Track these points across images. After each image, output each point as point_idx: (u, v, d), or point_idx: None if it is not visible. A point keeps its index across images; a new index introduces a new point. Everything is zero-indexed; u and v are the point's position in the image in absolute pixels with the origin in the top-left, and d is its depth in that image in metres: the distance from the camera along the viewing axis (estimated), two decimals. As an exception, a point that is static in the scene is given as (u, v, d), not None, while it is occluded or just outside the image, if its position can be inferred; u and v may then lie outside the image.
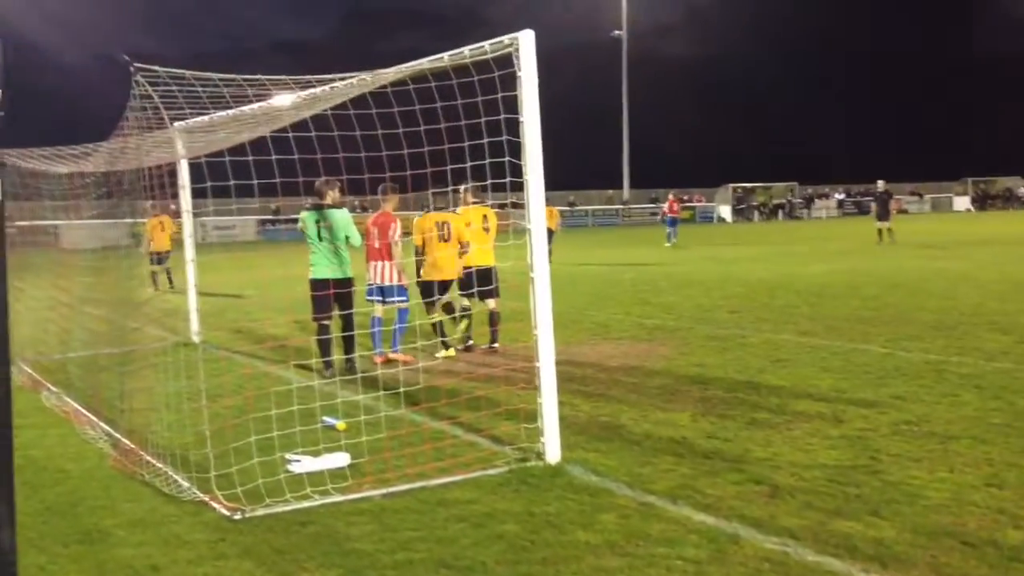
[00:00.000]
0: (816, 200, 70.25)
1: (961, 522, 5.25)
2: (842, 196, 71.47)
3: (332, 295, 9.85)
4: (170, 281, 21.13)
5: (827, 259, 25.97)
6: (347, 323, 10.04)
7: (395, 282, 10.88)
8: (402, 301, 10.93)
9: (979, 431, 7.15)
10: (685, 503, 5.73)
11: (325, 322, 10.17)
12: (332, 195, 10.18)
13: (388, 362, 10.43)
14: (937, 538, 5.03)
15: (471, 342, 11.61)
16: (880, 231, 31.91)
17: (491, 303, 11.58)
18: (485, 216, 11.48)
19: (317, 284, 10.02)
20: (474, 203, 11.48)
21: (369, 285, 10.97)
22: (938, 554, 4.83)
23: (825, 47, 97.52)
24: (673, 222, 36.32)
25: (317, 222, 10.11)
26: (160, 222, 20.89)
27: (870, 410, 7.96)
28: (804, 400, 8.43)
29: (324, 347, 10.16)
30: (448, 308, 11.54)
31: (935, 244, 30.80)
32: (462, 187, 11.08)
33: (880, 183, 32.79)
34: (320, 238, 10.10)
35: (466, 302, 11.51)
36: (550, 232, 27.15)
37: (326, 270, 10.09)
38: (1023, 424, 7.30)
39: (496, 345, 11.70)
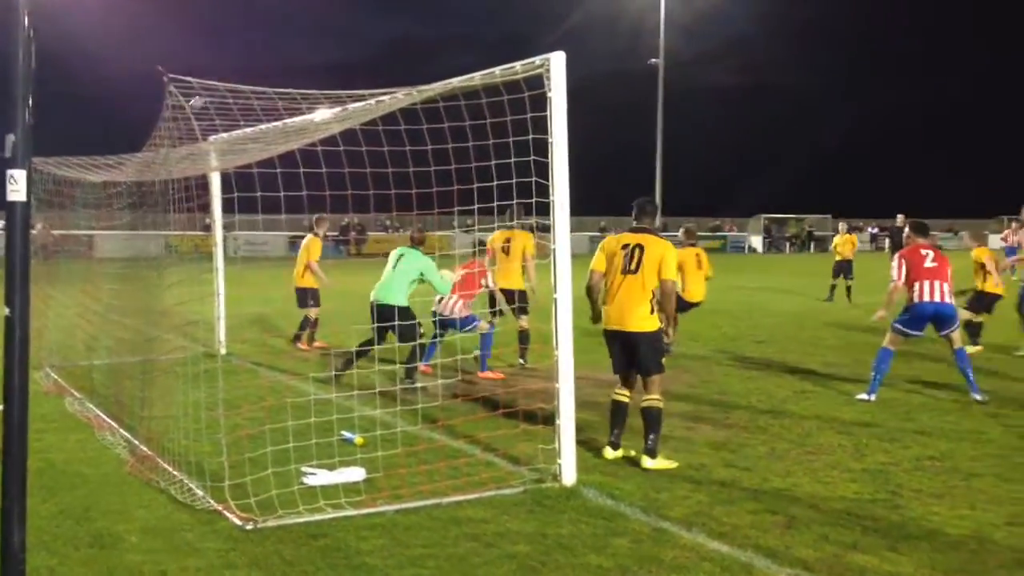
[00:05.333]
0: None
1: (981, 560, 5.15)
2: (875, 230, 70.75)
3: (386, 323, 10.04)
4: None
5: (857, 292, 25.70)
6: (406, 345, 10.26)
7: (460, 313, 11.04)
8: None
9: (1003, 469, 7.02)
10: (700, 530, 5.66)
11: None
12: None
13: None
14: (955, 575, 4.93)
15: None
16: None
17: (522, 321, 11.66)
18: (508, 239, 11.66)
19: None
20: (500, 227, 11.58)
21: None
22: (956, 592, 4.73)
23: (869, 79, 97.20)
24: (1011, 251, 32.82)
25: (401, 256, 10.48)
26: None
27: (893, 444, 7.83)
28: (827, 432, 8.32)
29: (356, 355, 10.34)
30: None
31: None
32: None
33: (900, 217, 28.69)
34: (394, 268, 10.39)
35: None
36: (848, 262, 22.62)
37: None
38: (1050, 464, 7.15)
39: (522, 361, 11.80)
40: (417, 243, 10.65)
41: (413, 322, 9.90)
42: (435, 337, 11.27)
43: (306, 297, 13.61)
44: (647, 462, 7.06)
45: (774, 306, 21.42)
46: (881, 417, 8.94)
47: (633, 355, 7.35)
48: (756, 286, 28.87)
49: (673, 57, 66.36)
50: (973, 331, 13.35)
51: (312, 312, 13.56)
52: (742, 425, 8.61)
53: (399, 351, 10.10)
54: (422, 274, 10.29)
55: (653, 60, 66.25)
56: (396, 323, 9.67)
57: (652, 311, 7.24)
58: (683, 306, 12.10)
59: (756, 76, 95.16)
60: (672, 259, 7.33)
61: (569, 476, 6.62)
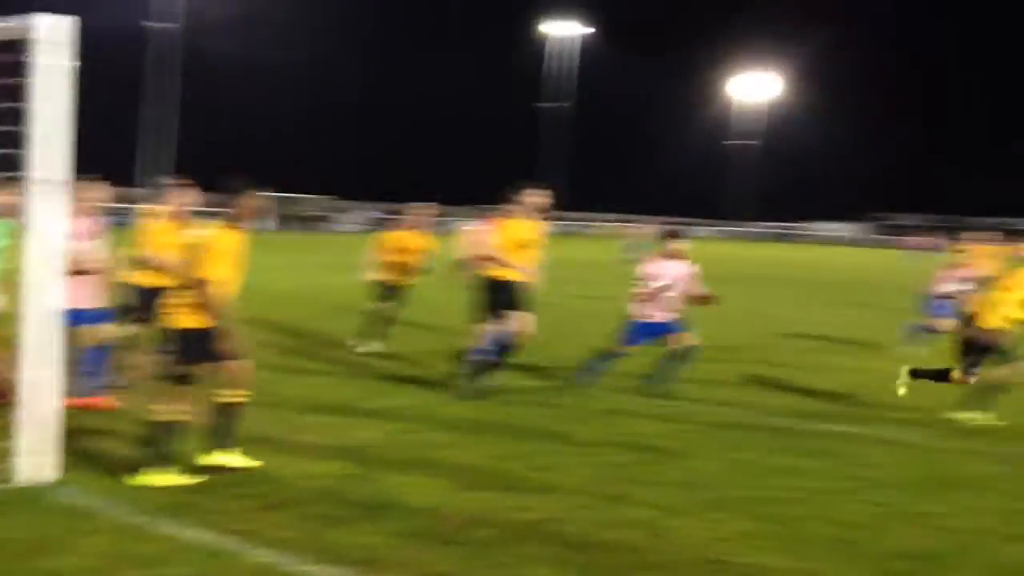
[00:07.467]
0: (337, 214, 71.59)
1: (438, 524, 5.80)
2: (379, 214, 73.55)
3: None
4: None
5: (353, 272, 26.87)
6: None
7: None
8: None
9: (461, 440, 7.90)
10: (182, 521, 5.60)
11: None
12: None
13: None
14: (419, 539, 5.50)
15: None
16: None
17: None
18: None
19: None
20: None
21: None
22: (420, 553, 5.28)
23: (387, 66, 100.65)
24: None
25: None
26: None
27: (372, 420, 8.42)
28: (313, 412, 8.61)
29: None
30: None
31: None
32: None
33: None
34: None
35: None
36: None
37: None
38: (492, 435, 8.20)
39: None
40: None
41: None
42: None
43: None
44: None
45: (268, 287, 21.56)
46: (366, 394, 9.53)
47: None
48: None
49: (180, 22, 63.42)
50: None
51: None
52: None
53: None
54: None
55: (147, 23, 62.86)
56: None
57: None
58: None
59: (270, 50, 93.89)
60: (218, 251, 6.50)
61: (38, 474, 6.09)
